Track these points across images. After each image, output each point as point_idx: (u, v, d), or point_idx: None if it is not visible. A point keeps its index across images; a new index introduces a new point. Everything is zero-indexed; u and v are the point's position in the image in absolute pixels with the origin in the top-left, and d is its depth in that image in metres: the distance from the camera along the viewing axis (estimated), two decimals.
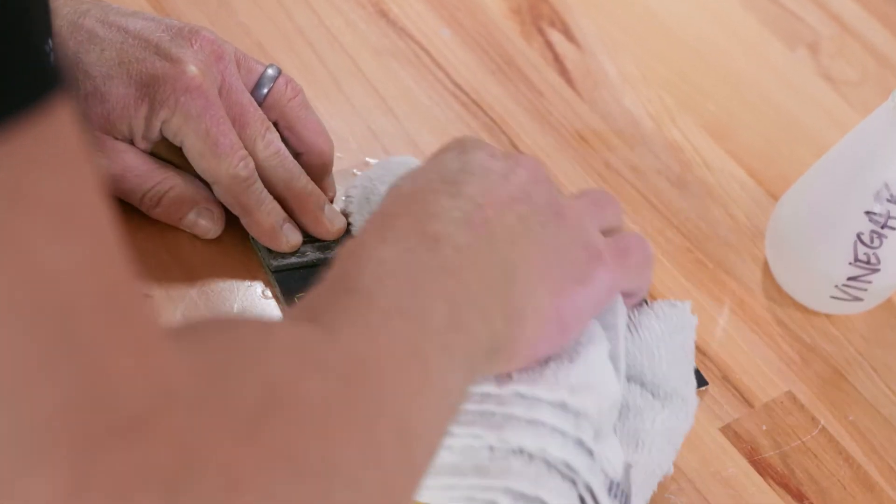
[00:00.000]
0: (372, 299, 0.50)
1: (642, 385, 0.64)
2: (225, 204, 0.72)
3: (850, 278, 0.73)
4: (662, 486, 0.67)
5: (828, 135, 0.86)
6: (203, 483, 0.38)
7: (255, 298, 0.71)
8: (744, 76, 0.90)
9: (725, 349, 0.74)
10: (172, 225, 0.73)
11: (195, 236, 0.73)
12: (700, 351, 0.74)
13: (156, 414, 0.38)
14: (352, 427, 0.45)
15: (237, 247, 0.73)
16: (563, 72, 0.88)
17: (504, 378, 0.58)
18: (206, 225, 0.72)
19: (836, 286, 0.74)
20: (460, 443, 0.58)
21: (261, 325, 0.47)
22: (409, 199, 0.57)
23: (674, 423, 0.63)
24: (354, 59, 0.85)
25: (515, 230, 0.57)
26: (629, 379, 0.64)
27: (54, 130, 0.36)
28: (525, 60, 0.87)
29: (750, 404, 0.72)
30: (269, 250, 0.72)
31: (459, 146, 0.60)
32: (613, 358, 0.60)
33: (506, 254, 0.56)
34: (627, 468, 0.60)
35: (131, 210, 0.73)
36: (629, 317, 0.65)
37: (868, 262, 0.72)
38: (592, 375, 0.58)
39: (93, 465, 0.36)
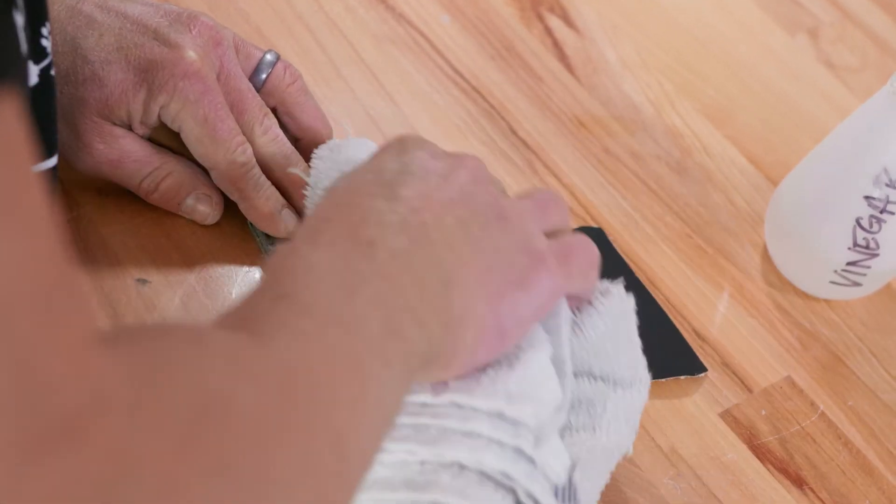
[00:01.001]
0: (305, 307, 0.49)
1: (591, 377, 0.63)
2: (223, 189, 0.72)
3: (849, 263, 0.73)
4: (662, 471, 0.67)
5: (828, 121, 0.85)
6: (137, 491, 0.37)
7: (254, 283, 0.71)
8: (744, 62, 0.90)
9: (725, 334, 0.74)
10: (171, 211, 0.73)
11: (194, 222, 0.73)
12: (699, 336, 0.74)
13: (90, 420, 0.36)
14: (287, 437, 0.43)
15: (236, 232, 0.73)
16: (563, 57, 0.87)
17: (440, 387, 0.56)
18: (205, 210, 0.72)
19: (836, 271, 0.74)
20: (393, 458, 0.56)
21: (193, 333, 0.46)
22: (343, 202, 0.55)
23: (627, 402, 0.62)
24: (354, 44, 0.85)
25: (454, 234, 0.55)
26: (577, 374, 0.62)
27: None
28: (525, 46, 0.87)
29: (749, 389, 0.72)
30: (268, 236, 0.71)
31: (399, 145, 0.59)
32: (557, 362, 0.59)
33: (443, 258, 0.54)
34: (571, 469, 0.59)
35: (129, 195, 0.73)
36: (573, 318, 0.63)
37: (867, 247, 0.72)
38: (532, 381, 0.57)
39: (24, 472, 0.35)
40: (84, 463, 0.36)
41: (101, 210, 0.73)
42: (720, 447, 0.69)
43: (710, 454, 0.69)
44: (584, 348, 0.63)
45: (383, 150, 0.59)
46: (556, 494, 0.58)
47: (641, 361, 0.64)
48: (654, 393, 0.70)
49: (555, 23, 0.89)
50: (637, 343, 0.64)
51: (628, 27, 0.90)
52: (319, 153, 0.67)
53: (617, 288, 0.64)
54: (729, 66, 0.89)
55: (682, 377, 0.71)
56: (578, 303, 0.63)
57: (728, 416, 0.70)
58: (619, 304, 0.64)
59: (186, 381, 0.41)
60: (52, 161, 0.63)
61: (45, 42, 0.57)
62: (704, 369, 0.71)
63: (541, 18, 0.89)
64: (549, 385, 0.57)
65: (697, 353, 0.72)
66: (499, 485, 0.57)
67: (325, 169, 0.67)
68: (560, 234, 0.61)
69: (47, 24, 0.57)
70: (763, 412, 0.71)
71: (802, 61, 0.91)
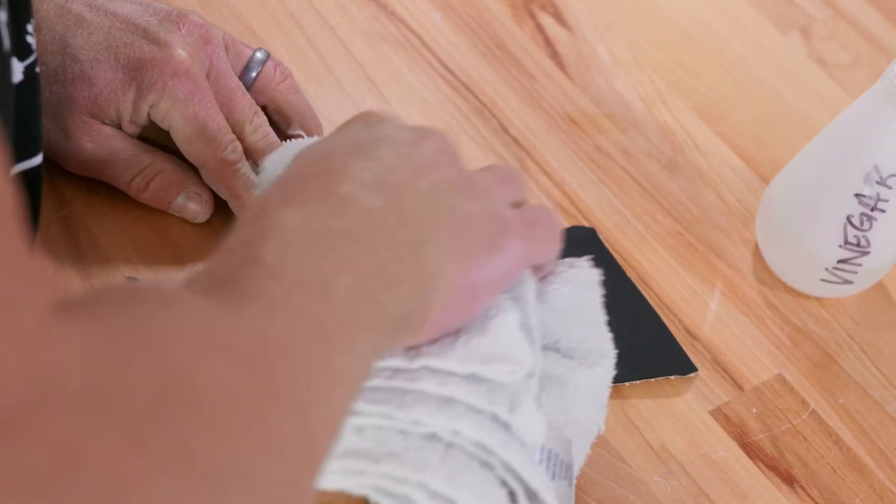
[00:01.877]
0: (275, 271, 0.48)
1: (558, 351, 0.63)
2: (213, 188, 0.72)
3: (840, 261, 0.73)
4: (652, 469, 0.67)
5: (820, 118, 0.85)
6: (83, 487, 0.35)
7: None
8: (736, 59, 0.90)
9: (716, 332, 0.74)
10: (161, 209, 0.73)
11: (184, 220, 0.73)
12: (690, 334, 0.74)
13: (35, 411, 0.35)
14: (253, 419, 0.42)
15: (226, 230, 0.72)
16: (555, 55, 0.87)
17: (413, 351, 0.56)
18: (195, 209, 0.72)
19: (827, 269, 0.74)
20: (370, 423, 0.56)
21: (164, 297, 0.44)
22: (316, 161, 0.55)
23: (595, 381, 0.63)
24: (345, 42, 0.85)
25: (427, 196, 0.55)
26: (545, 348, 0.63)
27: None
28: (516, 44, 0.87)
29: (740, 387, 0.72)
30: None
31: (365, 118, 0.59)
32: (525, 328, 0.59)
33: (417, 219, 0.54)
34: (564, 439, 0.59)
35: (119, 193, 0.72)
36: (538, 287, 0.63)
37: (858, 245, 0.72)
38: (504, 345, 0.57)
39: None
40: (25, 455, 0.34)
41: (91, 208, 0.73)
42: (711, 445, 0.69)
43: (701, 452, 0.69)
44: (549, 317, 0.63)
45: (349, 122, 0.59)
46: (541, 460, 0.58)
47: (607, 335, 0.64)
48: (644, 391, 0.70)
49: (546, 20, 0.89)
50: (603, 317, 0.65)
51: (620, 25, 0.90)
52: (269, 158, 0.66)
53: (583, 261, 0.65)
54: (721, 64, 0.89)
55: (673, 377, 0.71)
56: (542, 273, 0.63)
57: (719, 414, 0.70)
58: (584, 275, 0.64)
59: (150, 361, 0.39)
60: (38, 159, 0.63)
61: (29, 39, 0.57)
62: (695, 369, 0.71)
63: (532, 16, 0.89)
64: (521, 349, 0.58)
65: (688, 351, 0.72)
66: (482, 465, 0.57)
67: (277, 170, 0.65)
68: (521, 205, 0.62)
69: (32, 21, 0.57)
70: (754, 410, 0.71)
71: (795, 59, 0.91)
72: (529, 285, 0.61)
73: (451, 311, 0.56)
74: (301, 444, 0.45)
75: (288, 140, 0.71)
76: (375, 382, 0.56)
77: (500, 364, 0.56)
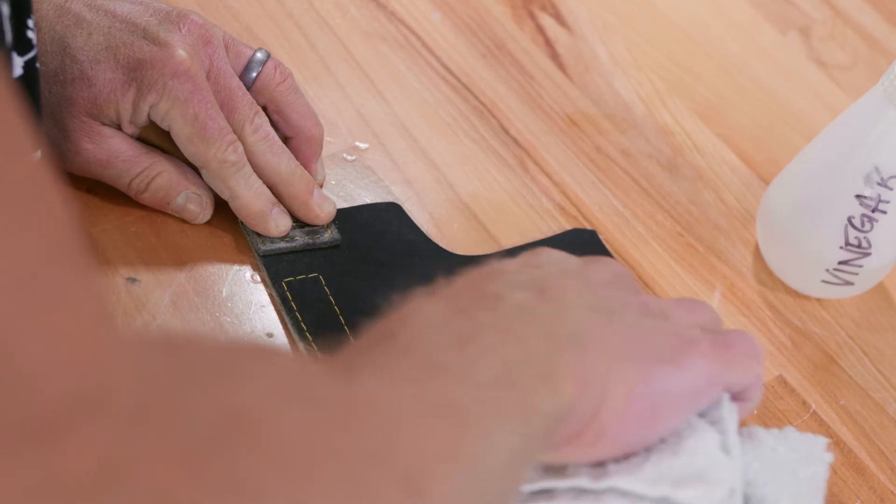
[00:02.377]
0: (407, 349, 0.45)
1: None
2: (214, 188, 0.72)
3: (841, 262, 0.73)
4: None
5: (819, 119, 0.85)
6: (121, 502, 0.33)
7: (244, 282, 0.70)
8: (735, 60, 0.90)
9: None
10: (161, 210, 0.73)
11: (184, 220, 0.73)
12: None
13: (79, 417, 0.33)
14: (338, 465, 0.38)
15: (227, 231, 0.73)
16: (555, 56, 0.87)
17: (599, 470, 0.52)
18: (195, 210, 0.72)
19: (828, 270, 0.74)
20: None
21: (263, 348, 0.41)
22: (467, 274, 0.52)
23: None
24: (344, 42, 0.84)
25: (592, 303, 0.52)
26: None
27: None
28: (516, 44, 0.87)
29: None
30: (259, 234, 0.71)
31: (531, 251, 0.56)
32: (725, 450, 0.54)
33: (577, 319, 0.50)
34: None
35: (118, 194, 0.72)
36: (748, 430, 0.58)
37: (859, 246, 0.72)
38: (699, 467, 0.52)
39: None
40: (60, 465, 0.32)
41: (90, 209, 0.72)
42: None
43: None
44: (757, 463, 0.56)
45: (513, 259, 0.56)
46: None
47: None
48: None
49: (546, 21, 0.89)
50: (820, 501, 0.57)
51: (620, 25, 0.90)
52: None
53: (818, 437, 0.58)
54: (720, 65, 0.89)
55: None
56: (746, 407, 0.58)
57: None
58: (811, 446, 0.58)
59: (222, 390, 0.36)
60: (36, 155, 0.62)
61: (30, 34, 0.57)
62: None
63: (532, 16, 0.89)
64: (720, 466, 0.53)
65: None
66: None
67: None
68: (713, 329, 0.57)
69: (32, 16, 0.57)
70: (755, 411, 0.71)
71: (794, 59, 0.91)
72: (728, 409, 0.55)
73: (630, 421, 0.51)
74: None
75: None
76: (561, 502, 0.53)
77: (694, 486, 0.52)
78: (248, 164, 0.71)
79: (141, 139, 0.72)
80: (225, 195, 0.71)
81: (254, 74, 0.74)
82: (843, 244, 0.72)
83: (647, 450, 0.53)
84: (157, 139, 0.72)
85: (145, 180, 0.72)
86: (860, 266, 0.73)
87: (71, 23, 0.71)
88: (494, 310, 0.49)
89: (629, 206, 0.79)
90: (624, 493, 0.52)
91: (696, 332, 0.55)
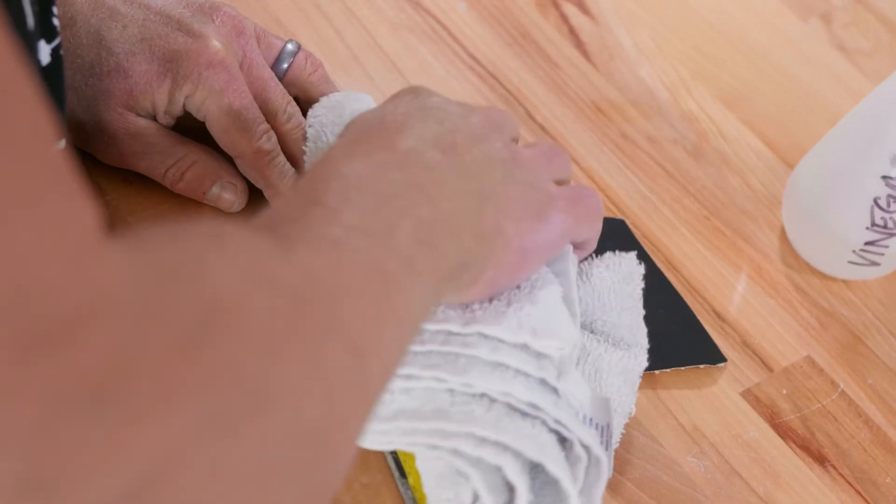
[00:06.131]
0: (335, 214, 0.49)
1: (593, 332, 0.66)
2: (248, 178, 0.73)
3: (867, 243, 0.74)
4: (685, 449, 0.68)
5: (842, 104, 0.86)
6: (133, 394, 0.36)
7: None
8: (758, 47, 0.91)
9: (744, 315, 0.75)
10: (196, 199, 0.74)
11: (219, 209, 0.74)
12: (719, 317, 0.74)
13: (85, 321, 0.35)
14: (298, 343, 0.42)
15: None
16: (579, 44, 0.88)
17: (468, 315, 0.58)
18: (230, 198, 0.73)
19: (854, 251, 0.75)
20: (421, 385, 0.58)
21: (213, 234, 0.44)
22: (376, 121, 0.57)
23: (627, 363, 0.65)
24: (372, 33, 0.85)
25: (482, 159, 0.57)
26: (581, 326, 0.65)
27: None
28: (540, 33, 0.88)
29: (770, 369, 0.73)
30: None
31: (414, 91, 0.61)
32: (567, 302, 0.61)
33: (477, 176, 0.57)
34: (603, 400, 0.61)
35: (155, 183, 0.73)
36: (580, 267, 0.66)
37: (885, 227, 0.73)
38: (552, 319, 0.59)
39: (12, 371, 0.34)
40: (78, 365, 0.35)
41: (127, 198, 0.74)
42: (742, 425, 0.70)
43: (733, 432, 0.70)
44: (588, 296, 0.66)
45: (398, 94, 0.61)
46: (583, 422, 0.60)
47: (642, 328, 0.67)
48: (675, 374, 0.71)
49: (570, 10, 0.90)
50: (640, 310, 0.67)
51: (643, 14, 0.91)
52: (316, 111, 0.68)
53: (629, 254, 0.68)
54: (743, 52, 0.90)
55: (703, 365, 0.72)
56: (584, 252, 0.65)
57: (749, 395, 0.71)
58: (627, 265, 0.67)
59: (196, 283, 0.40)
60: (60, 144, 0.63)
61: (55, 21, 0.58)
62: (724, 359, 0.72)
63: (556, 5, 0.90)
64: (567, 323, 0.60)
65: (717, 334, 0.73)
66: (525, 415, 0.58)
67: (327, 122, 0.67)
68: (564, 183, 0.63)
69: (56, 2, 0.57)
70: (784, 391, 0.72)
71: (816, 46, 0.92)
72: (572, 261, 0.63)
73: (502, 270, 0.58)
74: (352, 374, 0.45)
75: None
76: (429, 347, 0.58)
77: (549, 339, 0.58)
78: (281, 153, 0.72)
79: (176, 130, 0.73)
80: (259, 184, 0.72)
81: (285, 65, 0.75)
82: (869, 225, 0.73)
83: (505, 295, 0.59)
84: (191, 130, 0.73)
85: (180, 170, 0.73)
86: (886, 246, 0.74)
87: (106, 16, 0.72)
88: (407, 168, 0.54)
89: (656, 191, 0.80)
90: (488, 337, 0.58)
91: (554, 189, 0.61)
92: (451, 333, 0.58)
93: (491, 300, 0.59)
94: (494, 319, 0.58)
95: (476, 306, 0.58)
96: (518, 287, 0.60)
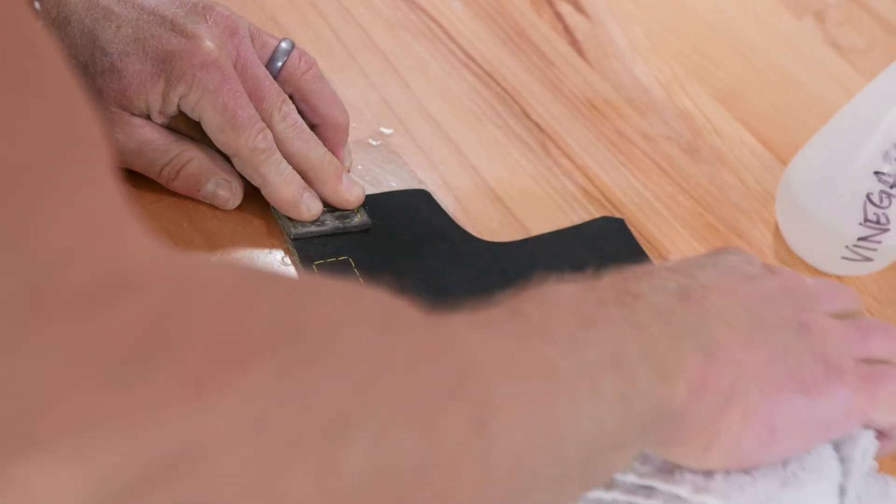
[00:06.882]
0: (521, 316, 0.44)
1: None
2: (245, 175, 0.73)
3: (860, 238, 0.74)
4: None
5: (836, 102, 0.86)
6: (162, 369, 0.34)
7: (276, 265, 0.72)
8: (752, 45, 0.91)
9: None
10: (191, 197, 0.74)
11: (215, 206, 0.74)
12: None
13: (116, 295, 0.33)
14: (401, 379, 0.38)
15: (258, 215, 0.74)
16: (574, 42, 0.88)
17: (704, 482, 0.52)
18: (225, 195, 0.73)
19: (847, 247, 0.75)
20: None
21: (341, 289, 0.40)
22: (619, 272, 0.52)
23: None
24: (367, 31, 0.86)
25: (737, 316, 0.51)
26: None
27: None
28: (536, 31, 0.88)
29: None
30: (290, 219, 0.73)
31: (716, 250, 0.57)
32: (843, 492, 0.53)
33: (711, 328, 0.50)
34: None
35: (150, 181, 0.74)
36: (883, 478, 0.56)
37: (878, 222, 0.73)
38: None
39: (29, 339, 0.32)
40: (108, 333, 0.33)
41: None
42: None
43: None
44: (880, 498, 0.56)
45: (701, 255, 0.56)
46: None
47: None
48: None
49: (565, 8, 0.90)
50: None
51: (637, 12, 0.91)
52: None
53: None
54: (737, 50, 0.90)
55: None
56: (889, 446, 0.56)
57: None
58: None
59: (276, 298, 0.37)
60: None
61: (36, 5, 0.57)
62: None
63: (551, 4, 0.91)
64: None
65: None
66: None
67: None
68: (883, 363, 0.56)
69: None
70: None
71: (810, 43, 0.92)
72: (863, 449, 0.54)
73: (745, 439, 0.51)
74: (462, 442, 0.40)
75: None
76: (655, 502, 0.53)
77: None
78: (277, 151, 0.72)
79: (171, 128, 0.74)
80: (256, 182, 0.73)
81: (279, 64, 0.76)
82: (862, 220, 0.73)
83: (759, 471, 0.52)
84: (186, 128, 0.73)
85: (175, 168, 0.73)
86: (879, 242, 0.74)
87: (100, 16, 0.72)
88: (629, 307, 0.48)
89: (651, 188, 0.80)
90: None
91: (849, 364, 0.53)
92: (678, 498, 0.52)
93: (746, 472, 0.52)
94: (728, 492, 0.51)
95: (719, 476, 0.52)
96: (783, 464, 0.52)
